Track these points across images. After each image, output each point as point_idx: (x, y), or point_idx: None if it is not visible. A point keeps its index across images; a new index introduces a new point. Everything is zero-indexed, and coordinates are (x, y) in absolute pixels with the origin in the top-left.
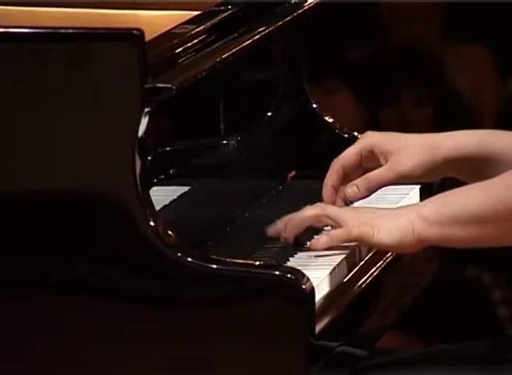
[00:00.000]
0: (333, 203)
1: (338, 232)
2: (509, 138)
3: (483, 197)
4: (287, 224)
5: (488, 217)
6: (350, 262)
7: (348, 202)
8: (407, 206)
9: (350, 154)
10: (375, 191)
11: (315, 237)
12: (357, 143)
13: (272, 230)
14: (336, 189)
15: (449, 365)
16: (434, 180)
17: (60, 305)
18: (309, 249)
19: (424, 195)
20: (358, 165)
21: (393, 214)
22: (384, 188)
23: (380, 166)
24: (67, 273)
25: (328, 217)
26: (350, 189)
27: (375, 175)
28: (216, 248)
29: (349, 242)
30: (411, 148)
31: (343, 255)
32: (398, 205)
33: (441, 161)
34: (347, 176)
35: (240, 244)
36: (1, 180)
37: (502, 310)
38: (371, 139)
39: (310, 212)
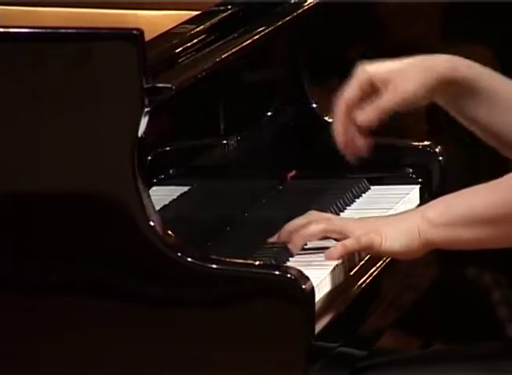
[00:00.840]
0: (347, 141)
1: (348, 241)
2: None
3: (490, 198)
4: (294, 237)
5: (495, 219)
6: (349, 262)
7: (360, 133)
8: (410, 210)
9: (351, 90)
10: (384, 118)
11: (308, 243)
12: (354, 78)
13: (274, 240)
14: (346, 128)
15: (448, 366)
16: (432, 100)
17: (59, 305)
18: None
19: (424, 195)
20: (360, 100)
21: (398, 219)
22: (384, 188)
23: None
24: (67, 273)
25: (335, 231)
26: (362, 116)
27: (382, 101)
28: (216, 248)
29: (359, 251)
30: (409, 72)
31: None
32: (398, 204)
33: (436, 80)
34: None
35: (240, 244)
36: (0, 180)
37: (502, 311)
38: (367, 71)
39: (317, 227)
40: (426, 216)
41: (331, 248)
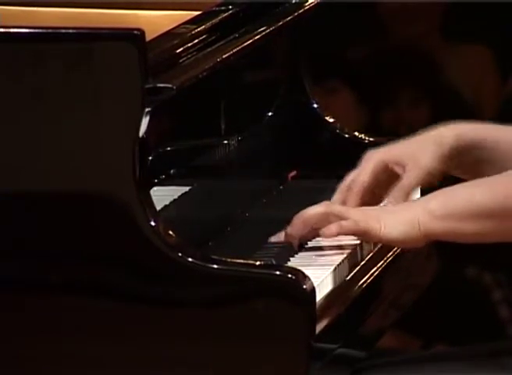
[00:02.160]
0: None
1: (346, 222)
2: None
3: (490, 192)
4: (294, 219)
5: (494, 212)
6: (350, 262)
7: None
8: (411, 201)
9: (365, 177)
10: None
11: (309, 243)
12: (366, 163)
13: (275, 239)
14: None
15: (449, 366)
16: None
17: (60, 305)
18: (320, 236)
19: (424, 195)
20: (374, 185)
21: (399, 209)
22: None
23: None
24: (67, 273)
25: (335, 215)
26: (391, 200)
27: (405, 181)
28: (217, 248)
29: (356, 236)
30: (421, 149)
31: (344, 255)
32: None
33: (448, 151)
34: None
35: (241, 244)
36: (0, 180)
37: (503, 310)
38: (379, 156)
39: (316, 209)
40: (427, 208)
41: (327, 226)
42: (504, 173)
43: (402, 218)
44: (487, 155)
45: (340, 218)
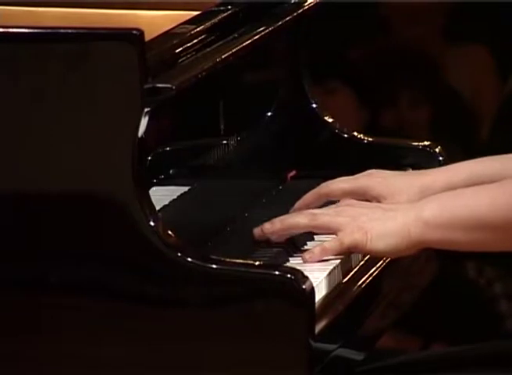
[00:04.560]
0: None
1: (330, 244)
2: (499, 164)
3: (492, 202)
4: (275, 221)
5: (495, 223)
6: (349, 262)
7: None
8: (404, 206)
9: (340, 190)
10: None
11: (308, 244)
12: (354, 179)
13: (257, 231)
14: (310, 208)
15: (449, 367)
16: None
17: (59, 305)
18: (304, 259)
19: None
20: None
21: (390, 216)
22: None
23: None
24: (66, 274)
25: (320, 228)
26: None
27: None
28: (216, 248)
29: (343, 252)
30: (404, 192)
31: (342, 256)
32: None
33: None
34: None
35: (240, 244)
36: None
37: (503, 304)
38: (364, 183)
39: (301, 221)
40: (420, 216)
41: (309, 250)
42: (504, 181)
43: (391, 228)
44: None
45: (326, 230)
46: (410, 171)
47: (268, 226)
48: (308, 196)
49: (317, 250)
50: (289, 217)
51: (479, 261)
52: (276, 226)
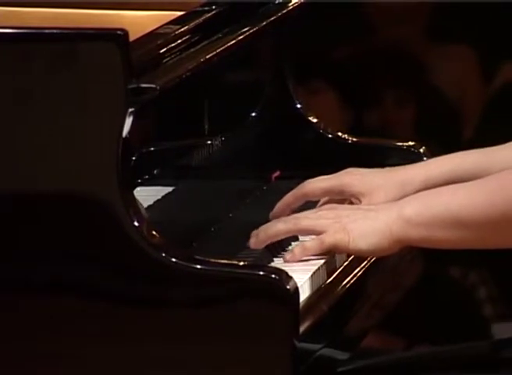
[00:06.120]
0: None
1: (310, 244)
2: (484, 156)
3: (470, 201)
4: (260, 233)
5: (473, 222)
6: (334, 262)
7: None
8: (385, 205)
9: (319, 189)
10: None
11: (293, 244)
12: (332, 178)
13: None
14: (291, 208)
15: (432, 368)
16: None
17: (42, 306)
18: (285, 259)
19: None
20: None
21: (372, 216)
22: None
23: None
24: (50, 274)
25: (304, 231)
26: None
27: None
28: (200, 249)
29: (324, 252)
30: (382, 189)
31: (327, 256)
32: None
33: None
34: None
35: (225, 244)
36: None
37: (488, 309)
38: (342, 180)
39: (283, 227)
40: (402, 214)
41: (290, 249)
42: (483, 180)
43: (372, 227)
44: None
45: (310, 233)
46: (389, 168)
47: (253, 241)
48: (288, 197)
49: (297, 250)
50: (273, 226)
51: (464, 264)
52: (262, 238)
